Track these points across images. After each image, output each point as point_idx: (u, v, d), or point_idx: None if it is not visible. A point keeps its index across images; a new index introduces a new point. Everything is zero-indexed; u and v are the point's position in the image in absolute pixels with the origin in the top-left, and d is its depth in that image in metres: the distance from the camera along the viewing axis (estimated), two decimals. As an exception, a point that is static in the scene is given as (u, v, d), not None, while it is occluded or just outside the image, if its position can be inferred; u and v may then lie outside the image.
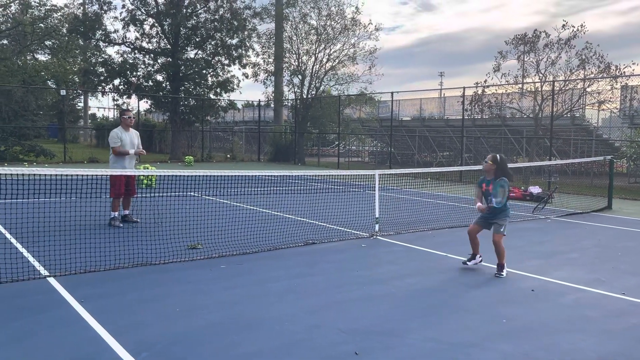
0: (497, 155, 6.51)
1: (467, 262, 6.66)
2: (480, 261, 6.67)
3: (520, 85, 21.37)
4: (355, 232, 8.74)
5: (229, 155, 31.19)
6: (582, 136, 23.48)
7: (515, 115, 22.60)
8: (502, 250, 6.35)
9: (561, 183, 17.97)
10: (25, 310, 4.69)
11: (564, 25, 19.44)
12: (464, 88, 21.36)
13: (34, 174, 6.82)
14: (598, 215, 11.72)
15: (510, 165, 7.49)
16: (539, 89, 19.94)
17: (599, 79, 18.95)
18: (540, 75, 19.96)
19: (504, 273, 6.30)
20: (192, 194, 12.37)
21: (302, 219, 9.80)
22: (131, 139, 8.90)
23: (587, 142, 23.50)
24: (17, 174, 6.18)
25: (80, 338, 4.12)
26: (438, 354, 4.03)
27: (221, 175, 9.67)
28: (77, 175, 7.44)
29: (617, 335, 4.54)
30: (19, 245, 7.01)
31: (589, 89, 19.60)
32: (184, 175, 7.96)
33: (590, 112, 22.98)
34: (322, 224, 9.34)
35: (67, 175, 7.11)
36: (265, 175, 13.94)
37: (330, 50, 28.25)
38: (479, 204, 6.58)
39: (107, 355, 3.82)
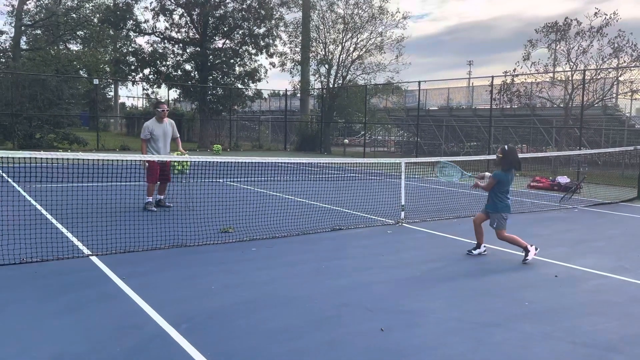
0: (506, 146, 6.65)
1: (472, 251, 6.73)
2: (484, 251, 6.71)
3: (550, 75, 21.07)
4: (381, 219, 8.91)
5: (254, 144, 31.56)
6: (614, 126, 23.05)
7: (545, 105, 22.32)
8: (510, 238, 6.44)
9: (591, 173, 17.75)
10: (72, 286, 5.02)
11: (596, 13, 19.07)
12: (492, 77, 21.18)
13: (75, 159, 7.18)
14: (627, 205, 11.62)
15: (538, 155, 7.57)
16: (570, 78, 19.65)
17: (632, 68, 18.58)
18: (571, 64, 19.67)
19: (529, 258, 6.31)
20: (221, 180, 12.71)
21: (328, 206, 10.02)
22: (164, 130, 9.20)
23: (619, 132, 23.06)
24: (57, 159, 6.51)
25: (125, 311, 4.42)
26: (461, 332, 4.21)
27: (250, 163, 9.93)
28: (114, 160, 7.78)
29: (639, 319, 4.63)
30: (60, 226, 7.40)
31: (621, 78, 19.24)
32: (215, 162, 8.24)
33: (623, 101, 22.54)
34: (349, 210, 9.54)
35: (104, 160, 7.45)
36: (294, 163, 14.16)
37: (357, 39, 28.29)
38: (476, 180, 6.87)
39: (151, 325, 4.11)
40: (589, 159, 22.48)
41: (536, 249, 6.41)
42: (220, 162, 8.51)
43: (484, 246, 6.75)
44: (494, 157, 12.35)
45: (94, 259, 5.92)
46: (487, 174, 6.86)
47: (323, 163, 18.64)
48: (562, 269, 6.15)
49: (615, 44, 18.66)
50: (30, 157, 6.07)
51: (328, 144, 29.76)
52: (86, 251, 6.19)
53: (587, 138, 23.18)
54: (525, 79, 21.35)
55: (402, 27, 31.67)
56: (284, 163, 11.36)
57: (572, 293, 5.31)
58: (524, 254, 6.43)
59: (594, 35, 19.07)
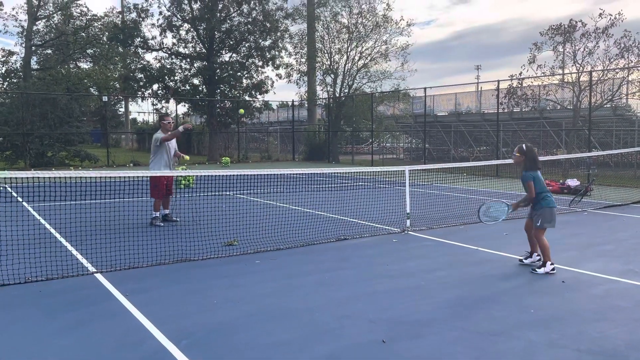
0: (523, 145, 6.46)
1: (523, 260, 6.50)
2: (539, 260, 6.36)
3: (557, 77, 20.94)
4: (387, 227, 8.87)
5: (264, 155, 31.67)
6: (624, 127, 22.80)
7: (556, 107, 22.15)
8: (543, 245, 6.14)
9: (602, 175, 17.56)
10: (75, 304, 5.05)
11: (600, 14, 18.96)
12: (499, 81, 21.09)
13: (81, 177, 7.25)
14: (638, 207, 11.45)
15: (548, 158, 7.44)
16: (577, 80, 19.50)
17: (639, 68, 18.40)
18: (577, 65, 19.54)
19: (542, 271, 6.04)
20: (230, 193, 12.75)
21: (334, 215, 10.00)
22: (171, 141, 9.29)
23: (630, 133, 22.81)
24: (65, 177, 6.59)
25: (126, 328, 4.43)
26: (464, 342, 4.15)
27: (254, 175, 9.95)
28: (120, 177, 7.85)
29: (647, 324, 4.54)
30: (67, 245, 7.46)
31: (629, 78, 19.06)
32: (219, 175, 8.27)
33: (635, 102, 22.29)
34: (354, 220, 9.51)
35: (111, 177, 7.51)
36: (296, 174, 14.18)
37: (362, 48, 28.38)
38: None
39: (151, 342, 4.11)
40: (600, 161, 22.25)
41: (553, 270, 6.09)
42: (224, 176, 8.54)
43: (537, 254, 6.42)
44: (503, 161, 12.16)
45: (99, 276, 5.95)
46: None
47: (328, 173, 18.65)
48: (569, 274, 6.06)
49: (621, 44, 18.52)
50: (34, 177, 6.14)
51: (336, 153, 29.78)
52: (91, 268, 6.22)
53: (597, 139, 22.95)
54: (532, 82, 21.24)
55: (407, 34, 31.74)
56: (287, 174, 11.40)
57: (579, 299, 5.23)
58: (540, 262, 6.21)
59: (599, 36, 18.95)
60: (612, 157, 22.69)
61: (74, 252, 7.03)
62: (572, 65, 19.77)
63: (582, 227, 9.11)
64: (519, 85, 20.96)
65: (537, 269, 6.13)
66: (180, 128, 9.08)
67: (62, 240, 7.75)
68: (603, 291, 5.47)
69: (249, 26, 30.04)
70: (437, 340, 4.19)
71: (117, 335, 4.26)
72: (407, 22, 28.98)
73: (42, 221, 9.26)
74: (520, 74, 20.62)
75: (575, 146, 22.02)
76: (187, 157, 9.71)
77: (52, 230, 8.45)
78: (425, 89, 24.53)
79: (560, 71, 20.90)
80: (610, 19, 18.83)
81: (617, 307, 4.98)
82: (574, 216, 10.29)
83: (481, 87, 32.55)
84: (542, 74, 20.28)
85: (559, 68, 20.86)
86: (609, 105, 20.36)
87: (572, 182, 13.93)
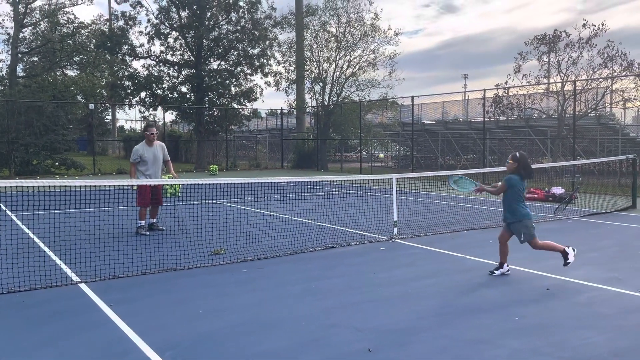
0: (517, 153, 6.44)
1: (495, 271, 6.44)
2: (508, 271, 6.42)
3: (542, 86, 21.21)
4: (374, 235, 8.89)
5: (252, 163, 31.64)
6: (608, 135, 23.12)
7: (542, 116, 22.41)
8: (546, 245, 6.23)
9: (586, 183, 17.76)
10: (59, 315, 4.99)
11: (584, 25, 19.27)
12: (485, 90, 21.31)
13: (64, 186, 7.19)
14: (621, 214, 11.60)
15: (534, 166, 7.50)
16: (561, 89, 19.77)
17: (622, 77, 18.70)
18: (561, 75, 19.81)
19: (569, 259, 6.17)
20: (217, 202, 12.70)
21: (322, 223, 10.00)
22: (155, 153, 9.19)
23: (614, 141, 23.12)
24: (49, 186, 6.52)
25: (110, 338, 4.38)
26: (449, 350, 4.17)
27: (241, 183, 9.93)
28: (105, 186, 7.79)
29: (630, 331, 4.59)
30: (51, 254, 7.38)
31: (613, 87, 19.36)
32: (206, 184, 8.25)
33: (619, 110, 22.64)
34: (342, 228, 9.52)
35: (96, 186, 7.46)
36: (283, 182, 14.18)
37: (351, 56, 28.55)
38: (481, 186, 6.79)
39: (135, 354, 4.07)
40: (584, 169, 22.51)
41: (574, 249, 6.26)
42: (211, 185, 8.52)
43: (507, 265, 6.44)
44: (489, 169, 12.24)
45: (83, 286, 5.88)
46: (499, 183, 6.60)
47: (316, 181, 18.66)
48: (554, 282, 6.12)
49: (605, 54, 18.82)
50: (17, 186, 6.07)
51: (325, 160, 29.83)
52: (75, 278, 6.16)
53: (582, 147, 23.24)
54: (518, 91, 21.49)
55: (395, 43, 31.98)
56: (275, 182, 11.40)
57: (563, 306, 5.27)
58: (563, 259, 6.22)
59: (583, 46, 19.25)
60: (597, 165, 22.97)
61: (58, 261, 6.95)
62: (557, 75, 20.07)
63: (566, 234, 9.20)
64: (505, 94, 21.20)
65: (568, 261, 6.19)
66: (137, 180, 8.71)
67: (46, 249, 7.66)
68: (587, 299, 5.53)
69: (238, 34, 30.08)
70: (422, 349, 4.20)
71: (101, 347, 4.21)
72: (394, 31, 29.28)
73: (26, 230, 9.15)
74: (506, 83, 20.86)
75: (560, 154, 22.29)
76: (175, 175, 9.65)
77: (36, 240, 8.36)
78: (412, 97, 24.73)
79: (545, 80, 21.19)
80: (593, 29, 19.15)
81: (600, 314, 5.03)
82: (559, 224, 10.39)
83: (468, 96, 32.84)
84: (528, 83, 20.53)
85: (543, 77, 21.15)
86: (593, 114, 20.64)
87: (557, 190, 14.08)
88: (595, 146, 23.94)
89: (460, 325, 4.71)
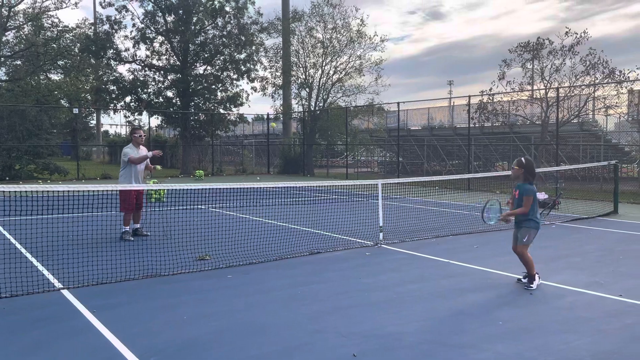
0: (522, 159, 6.37)
1: (522, 280, 6.28)
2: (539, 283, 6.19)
3: (525, 93, 21.48)
4: (360, 240, 8.91)
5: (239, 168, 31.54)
6: (591, 141, 23.46)
7: (526, 122, 22.68)
8: (527, 260, 6.12)
9: (570, 189, 17.99)
10: (41, 322, 4.92)
11: (567, 32, 19.57)
12: (470, 97, 21.52)
13: (47, 191, 7.10)
14: (604, 220, 11.77)
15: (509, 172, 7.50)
16: (544, 96, 20.04)
17: (604, 84, 19.02)
18: (545, 82, 20.08)
19: (534, 285, 6.02)
20: (203, 207, 12.63)
21: (307, 229, 9.99)
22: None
23: (596, 148, 23.47)
24: (32, 191, 6.45)
25: (93, 346, 4.33)
26: (434, 355, 4.19)
27: (226, 188, 9.90)
28: (90, 191, 7.72)
29: (612, 334, 4.66)
30: (33, 260, 7.28)
31: (595, 95, 19.66)
32: (190, 189, 8.21)
33: (601, 117, 22.98)
34: (328, 233, 9.52)
35: (80, 191, 7.39)
36: (269, 187, 14.16)
37: (337, 62, 28.61)
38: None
39: (118, 360, 4.03)
40: (567, 175, 22.81)
41: (540, 279, 6.17)
42: (196, 190, 8.48)
43: (537, 274, 6.21)
44: (474, 175, 12.26)
45: (65, 292, 5.81)
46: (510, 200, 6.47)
47: (301, 186, 18.65)
48: (537, 287, 6.17)
49: (587, 62, 19.12)
50: (-1, 191, 5.99)
51: (311, 166, 29.84)
52: (57, 284, 6.08)
53: (565, 153, 23.55)
54: (502, 98, 21.73)
55: (381, 49, 32.13)
56: (257, 188, 11.42)
57: (546, 310, 5.33)
58: (527, 280, 6.14)
59: (565, 54, 19.54)
60: (579, 171, 23.29)
61: (40, 267, 6.86)
62: (540, 82, 20.34)
63: (549, 240, 9.30)
64: (490, 101, 21.42)
65: (530, 286, 6.05)
66: (149, 154, 9.03)
67: (28, 255, 7.56)
68: (569, 303, 5.59)
69: (224, 39, 30.01)
70: (407, 354, 4.21)
71: (84, 354, 4.16)
72: (380, 37, 29.31)
73: (8, 236, 9.02)
74: (490, 89, 21.09)
75: (544, 160, 22.56)
76: (158, 167, 9.62)
77: (18, 245, 8.24)
78: (398, 103, 24.91)
79: (528, 87, 21.47)
80: (576, 37, 19.46)
81: (582, 318, 5.10)
82: (542, 229, 10.41)
83: (453, 102, 33.12)
84: (512, 90, 20.78)
85: (527, 84, 21.43)
86: (575, 120, 20.94)
87: (541, 196, 14.22)
88: (578, 152, 24.28)
89: (445, 330, 4.74)
